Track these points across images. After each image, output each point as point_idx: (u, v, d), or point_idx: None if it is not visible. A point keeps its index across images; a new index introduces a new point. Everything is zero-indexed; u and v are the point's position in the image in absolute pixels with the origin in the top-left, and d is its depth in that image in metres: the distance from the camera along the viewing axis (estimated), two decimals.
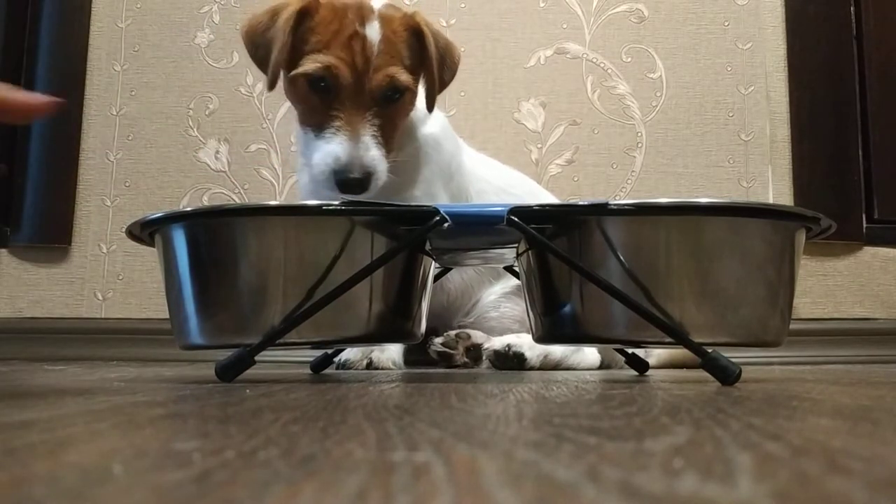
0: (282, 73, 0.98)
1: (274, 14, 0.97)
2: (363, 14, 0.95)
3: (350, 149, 0.94)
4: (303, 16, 0.96)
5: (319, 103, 0.96)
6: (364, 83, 0.94)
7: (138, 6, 1.64)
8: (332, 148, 0.94)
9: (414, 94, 1.01)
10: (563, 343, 0.98)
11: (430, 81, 1.01)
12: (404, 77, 0.96)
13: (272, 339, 0.58)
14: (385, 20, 0.96)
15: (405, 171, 1.07)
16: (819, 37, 1.59)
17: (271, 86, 0.98)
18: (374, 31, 0.94)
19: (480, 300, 1.19)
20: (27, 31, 1.62)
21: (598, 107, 1.58)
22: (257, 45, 0.99)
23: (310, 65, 0.94)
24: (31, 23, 1.62)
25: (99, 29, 1.63)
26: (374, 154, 0.94)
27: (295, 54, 0.96)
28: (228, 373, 0.57)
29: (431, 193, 1.07)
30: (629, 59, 1.60)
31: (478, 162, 1.23)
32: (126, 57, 1.62)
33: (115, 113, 1.60)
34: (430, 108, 1.03)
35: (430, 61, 0.99)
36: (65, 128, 1.58)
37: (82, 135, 1.59)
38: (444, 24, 1.60)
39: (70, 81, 1.60)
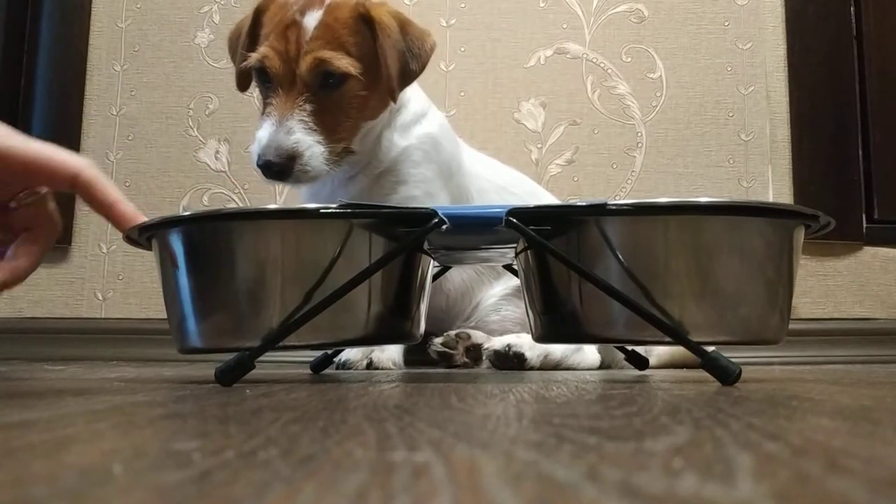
0: None
1: (244, 21, 1.02)
2: (309, 5, 0.96)
3: (271, 133, 0.93)
4: (259, 14, 0.99)
5: (265, 94, 0.98)
6: (295, 70, 0.94)
7: (138, 6, 1.64)
8: (258, 133, 0.95)
9: (366, 83, 0.98)
10: (563, 342, 0.98)
11: (385, 70, 0.97)
12: (340, 62, 0.94)
13: (271, 344, 0.58)
14: (330, 9, 0.96)
15: (402, 169, 1.07)
16: (819, 37, 1.59)
17: (238, 86, 1.03)
18: (312, 19, 0.95)
19: (480, 303, 1.19)
20: (27, 31, 1.62)
21: (598, 107, 1.58)
22: (234, 52, 1.04)
23: (251, 59, 0.97)
24: (31, 23, 1.62)
25: (99, 29, 1.63)
26: (297, 138, 0.93)
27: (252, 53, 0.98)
28: (229, 377, 0.57)
29: (431, 193, 1.07)
30: (629, 59, 1.60)
31: (477, 161, 1.23)
32: (126, 57, 1.62)
33: (115, 113, 1.60)
34: (392, 97, 1.00)
35: (381, 49, 0.97)
36: (65, 128, 1.58)
37: (82, 135, 1.59)
38: (444, 24, 1.60)
39: (70, 81, 1.60)
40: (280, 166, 0.93)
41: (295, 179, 0.94)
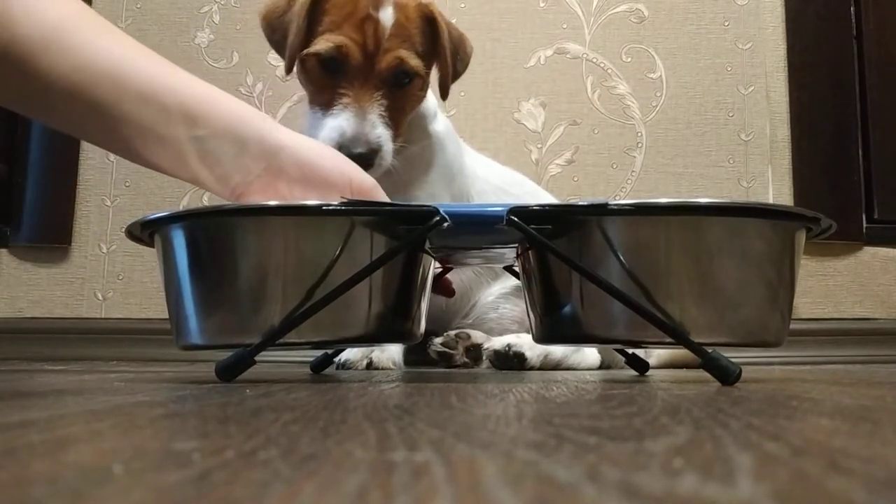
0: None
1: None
2: (378, 0, 0.97)
3: (356, 124, 0.94)
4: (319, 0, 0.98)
5: (329, 82, 0.97)
6: (374, 64, 0.96)
7: (138, 6, 1.64)
8: (337, 123, 0.95)
9: (424, 83, 1.02)
10: (564, 343, 0.98)
11: (444, 70, 1.02)
12: (414, 62, 0.98)
13: (272, 340, 0.58)
14: (399, 6, 0.98)
15: (412, 168, 1.07)
16: (819, 37, 1.59)
17: (288, 69, 0.99)
18: (387, 16, 0.96)
19: (479, 301, 1.19)
20: None
21: (598, 107, 1.58)
22: (274, 29, 1.01)
23: (322, 44, 0.96)
24: None
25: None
26: (379, 132, 0.95)
27: (308, 37, 0.97)
28: (228, 373, 0.57)
29: (434, 194, 1.08)
30: (629, 59, 1.60)
31: (478, 163, 1.23)
32: None
33: None
34: (444, 95, 1.05)
35: (443, 49, 1.01)
36: None
37: None
38: None
39: None
40: (367, 157, 0.94)
41: (370, 173, 0.96)
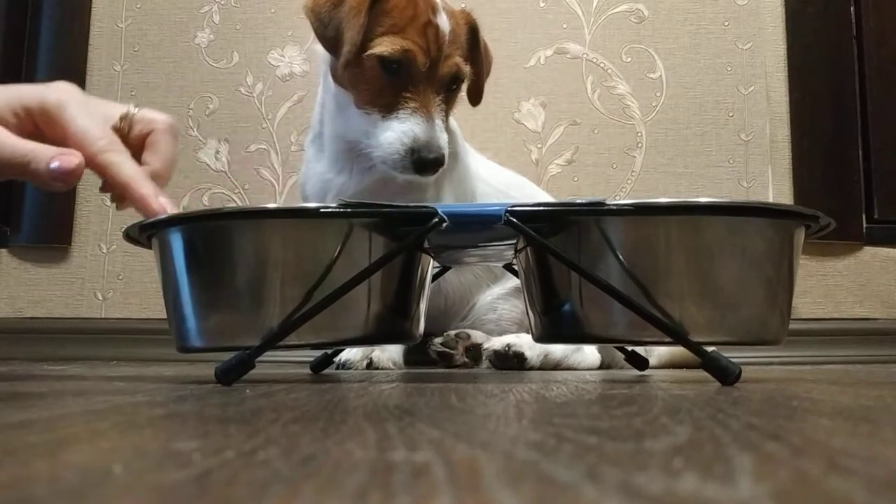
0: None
1: None
2: (433, 5, 0.99)
3: (427, 129, 0.96)
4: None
5: (389, 85, 0.98)
6: (436, 69, 0.98)
7: (138, 6, 1.64)
8: (408, 127, 0.96)
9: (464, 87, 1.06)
10: (563, 342, 0.98)
11: (479, 75, 1.07)
12: (467, 70, 1.02)
13: (271, 343, 0.58)
14: (451, 14, 1.01)
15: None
16: (819, 37, 1.59)
17: (347, 64, 0.98)
18: (444, 22, 0.99)
19: (478, 303, 1.19)
20: (27, 32, 1.62)
21: (598, 107, 1.58)
22: (325, 23, 0.99)
23: (387, 46, 0.96)
24: (31, 23, 1.62)
25: (99, 29, 1.63)
26: (445, 137, 0.98)
27: (364, 36, 0.97)
28: (229, 376, 0.57)
29: (439, 197, 1.08)
30: (629, 59, 1.60)
31: (480, 164, 1.23)
32: (126, 57, 1.62)
33: None
34: (478, 100, 1.10)
35: (480, 56, 1.06)
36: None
37: None
38: None
39: (70, 81, 1.59)
40: (436, 161, 0.96)
41: (436, 174, 0.99)
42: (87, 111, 0.62)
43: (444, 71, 0.98)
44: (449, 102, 1.02)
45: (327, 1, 0.99)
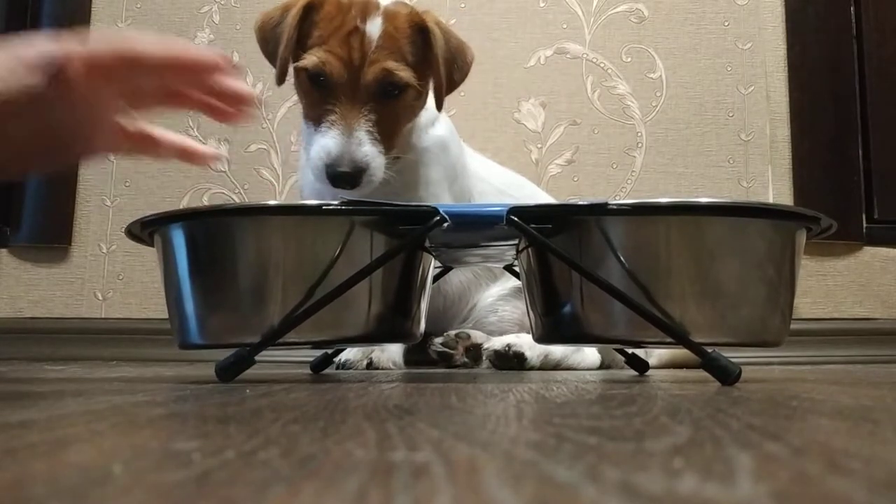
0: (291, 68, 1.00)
1: (284, 10, 0.98)
2: (367, 10, 0.95)
3: (342, 143, 0.93)
4: (309, 11, 0.97)
5: (319, 98, 0.97)
6: (359, 78, 0.94)
7: (138, 6, 1.64)
8: (325, 142, 0.94)
9: (419, 93, 1.00)
10: (564, 343, 0.98)
11: (437, 80, 1.00)
12: (403, 73, 0.96)
13: (272, 339, 0.58)
14: (389, 16, 0.96)
15: (412, 171, 1.07)
16: (819, 37, 1.59)
17: (279, 80, 0.99)
18: (374, 27, 0.94)
19: (478, 303, 1.19)
20: (27, 32, 1.62)
21: (598, 107, 1.58)
22: (267, 40, 1.01)
23: (308, 59, 0.95)
24: (31, 23, 1.62)
25: (99, 29, 1.63)
26: (366, 150, 0.94)
27: (301, 49, 0.97)
28: (228, 373, 0.57)
29: (436, 195, 1.07)
30: (629, 59, 1.60)
31: (479, 164, 1.23)
32: None
33: None
34: (438, 106, 1.03)
35: (435, 59, 0.98)
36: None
37: None
38: None
39: None
40: (352, 177, 0.94)
41: (359, 189, 0.95)
42: None
43: (368, 79, 0.94)
44: (388, 112, 0.97)
45: (271, 19, 1.00)
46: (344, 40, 0.94)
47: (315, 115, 0.97)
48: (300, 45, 0.97)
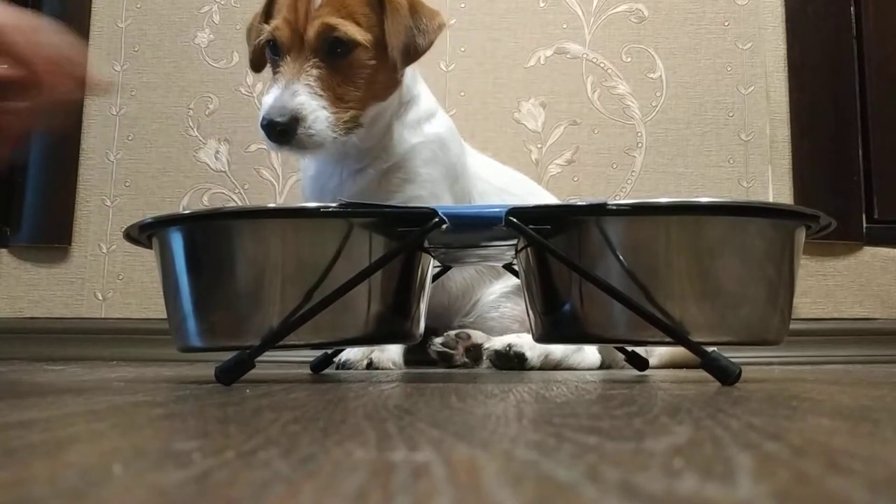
0: None
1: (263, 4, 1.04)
2: None
3: (280, 95, 0.94)
4: None
5: (274, 66, 0.99)
6: (301, 36, 0.96)
7: (138, 6, 1.64)
8: (265, 98, 0.96)
9: (371, 54, 0.98)
10: (563, 342, 0.98)
11: (389, 41, 0.98)
12: (348, 28, 0.96)
13: (271, 342, 0.58)
14: None
15: (409, 168, 1.07)
16: (819, 37, 1.59)
17: (251, 65, 1.04)
18: None
19: (480, 300, 1.19)
20: None
21: (598, 107, 1.58)
22: (250, 38, 1.06)
23: (263, 31, 0.99)
24: None
25: (99, 29, 1.63)
26: (301, 100, 0.93)
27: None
28: (228, 376, 0.57)
29: (436, 194, 1.07)
30: (629, 59, 1.60)
31: (480, 164, 1.23)
32: (126, 57, 1.62)
33: (115, 113, 1.60)
34: (395, 71, 1.01)
35: (387, 19, 0.98)
36: (65, 128, 1.58)
37: (82, 135, 1.59)
38: None
39: None
40: (283, 125, 0.92)
41: (298, 143, 0.93)
42: None
43: (310, 34, 0.94)
44: (337, 69, 0.96)
45: (255, 17, 1.05)
46: (292, 5, 0.96)
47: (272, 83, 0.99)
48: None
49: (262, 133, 0.94)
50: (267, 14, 1.01)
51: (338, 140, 0.96)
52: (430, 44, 1.02)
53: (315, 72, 0.95)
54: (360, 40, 0.96)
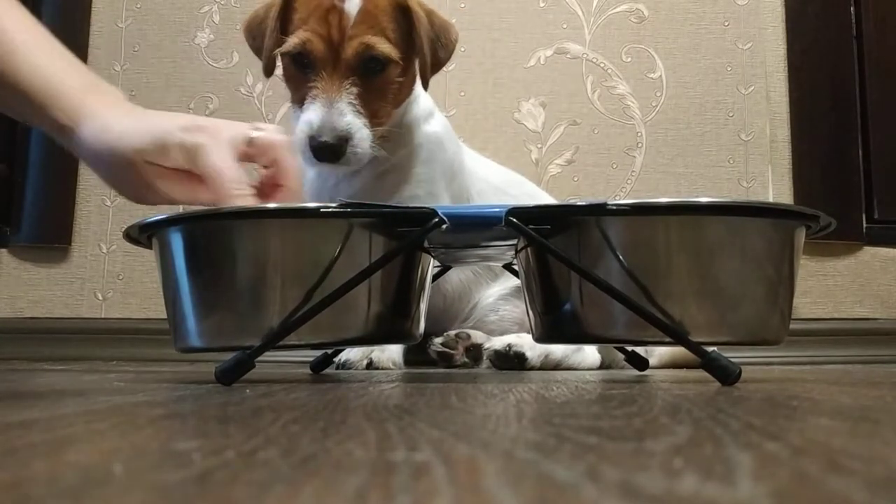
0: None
1: (269, 6, 1.01)
2: None
3: (323, 114, 0.94)
4: (289, 1, 0.99)
5: (303, 79, 0.98)
6: (339, 53, 0.95)
7: (138, 6, 1.64)
8: (307, 115, 0.95)
9: (402, 69, 1.00)
10: (563, 342, 0.98)
11: (422, 58, 1.00)
12: (384, 47, 0.96)
13: (271, 343, 0.58)
14: None
15: (408, 168, 1.07)
16: (819, 37, 1.59)
17: (266, 72, 1.01)
18: (352, 5, 0.96)
19: (479, 303, 1.18)
20: None
21: (598, 107, 1.58)
22: (254, 37, 1.03)
23: (290, 42, 0.97)
24: None
25: (99, 29, 1.63)
26: (349, 119, 0.94)
27: (282, 38, 0.98)
28: (228, 376, 0.57)
29: (434, 193, 1.07)
30: (629, 59, 1.60)
31: (477, 163, 1.23)
32: (126, 57, 1.62)
33: None
34: (424, 85, 1.04)
35: (418, 37, 0.99)
36: None
37: None
38: None
39: None
40: (335, 147, 0.93)
41: (346, 161, 0.95)
42: (217, 146, 0.65)
43: (349, 53, 0.95)
44: (371, 87, 0.97)
45: (256, 16, 1.03)
46: (323, 18, 0.95)
47: (300, 96, 0.98)
48: (283, 33, 0.99)
49: (307, 151, 0.95)
50: (283, 21, 0.99)
51: (374, 154, 0.97)
52: (450, 56, 1.05)
53: (355, 90, 0.96)
54: (394, 58, 0.98)
